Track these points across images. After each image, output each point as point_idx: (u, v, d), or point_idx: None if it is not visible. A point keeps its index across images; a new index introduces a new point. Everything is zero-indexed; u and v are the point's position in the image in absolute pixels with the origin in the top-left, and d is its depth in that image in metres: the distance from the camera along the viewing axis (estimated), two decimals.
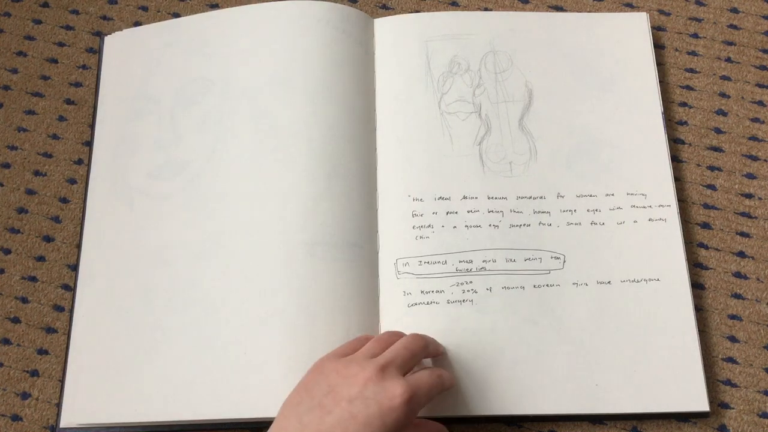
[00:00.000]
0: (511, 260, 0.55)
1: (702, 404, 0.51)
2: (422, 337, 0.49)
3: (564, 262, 0.55)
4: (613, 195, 0.57)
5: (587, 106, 0.60)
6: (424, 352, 0.49)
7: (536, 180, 0.57)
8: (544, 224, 0.56)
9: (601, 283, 0.54)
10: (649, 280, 0.54)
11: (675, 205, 0.57)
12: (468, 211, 0.56)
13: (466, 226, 0.56)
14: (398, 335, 0.50)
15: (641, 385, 0.52)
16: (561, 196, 0.57)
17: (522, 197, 0.57)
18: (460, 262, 0.55)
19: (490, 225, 0.56)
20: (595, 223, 0.56)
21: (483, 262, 0.55)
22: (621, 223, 0.56)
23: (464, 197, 0.56)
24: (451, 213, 0.56)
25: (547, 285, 0.54)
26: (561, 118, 0.59)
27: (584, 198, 0.57)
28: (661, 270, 0.55)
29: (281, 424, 0.44)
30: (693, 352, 0.53)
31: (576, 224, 0.56)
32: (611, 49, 0.61)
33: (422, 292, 0.54)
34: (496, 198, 0.57)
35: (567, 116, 0.59)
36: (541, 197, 0.57)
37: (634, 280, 0.54)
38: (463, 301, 0.54)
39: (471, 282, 0.54)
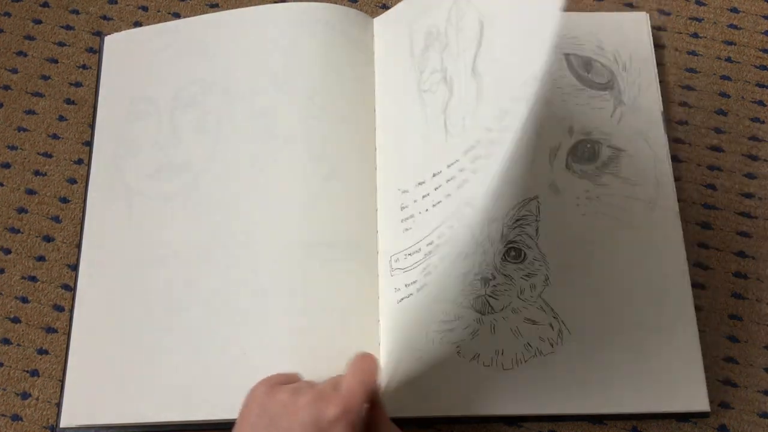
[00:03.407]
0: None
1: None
2: (366, 358, 0.47)
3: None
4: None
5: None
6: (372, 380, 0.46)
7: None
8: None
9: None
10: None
11: (675, 205, 0.57)
12: (435, 189, 0.51)
13: (433, 204, 0.51)
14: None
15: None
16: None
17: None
18: (427, 245, 0.50)
19: (448, 195, 0.50)
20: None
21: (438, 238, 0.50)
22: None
23: (433, 174, 0.51)
24: (426, 196, 0.52)
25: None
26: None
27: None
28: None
29: None
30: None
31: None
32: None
33: (406, 285, 0.51)
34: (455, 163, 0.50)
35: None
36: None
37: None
38: (425, 285, 0.49)
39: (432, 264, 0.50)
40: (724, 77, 0.63)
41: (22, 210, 0.60)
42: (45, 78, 0.64)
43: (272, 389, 0.45)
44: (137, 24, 0.66)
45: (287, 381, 0.47)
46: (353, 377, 0.45)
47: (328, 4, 0.60)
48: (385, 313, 0.53)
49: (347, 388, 0.44)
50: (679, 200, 0.57)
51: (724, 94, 0.62)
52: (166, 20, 0.65)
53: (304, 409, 0.43)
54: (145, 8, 0.67)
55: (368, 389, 0.45)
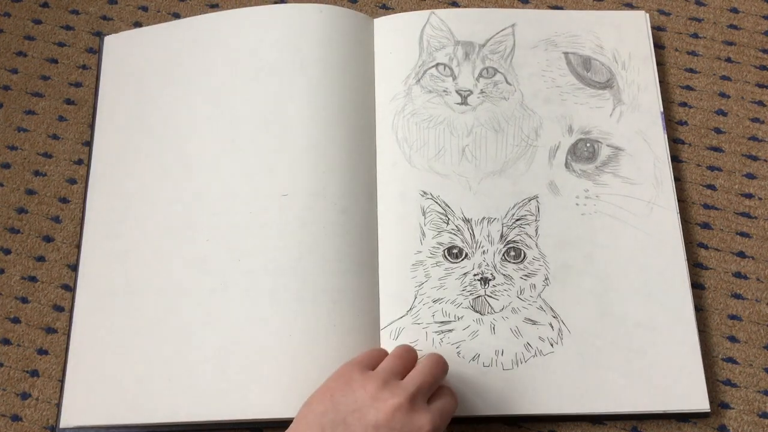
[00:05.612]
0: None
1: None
2: (444, 362, 0.49)
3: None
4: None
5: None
6: (445, 376, 0.49)
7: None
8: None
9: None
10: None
11: (675, 205, 0.57)
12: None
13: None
14: (413, 352, 0.49)
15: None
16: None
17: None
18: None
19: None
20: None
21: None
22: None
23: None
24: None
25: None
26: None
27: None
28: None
29: (302, 430, 0.44)
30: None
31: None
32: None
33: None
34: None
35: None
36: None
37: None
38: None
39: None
40: (724, 77, 0.63)
41: (22, 210, 0.60)
42: (45, 78, 0.65)
43: (361, 371, 0.46)
44: (137, 24, 0.66)
45: (375, 362, 0.48)
46: (450, 401, 0.47)
47: (328, 5, 0.60)
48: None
49: (441, 408, 0.46)
50: (679, 200, 0.57)
51: (724, 94, 0.62)
52: (166, 20, 0.65)
53: (396, 414, 0.44)
54: (145, 8, 0.67)
55: (454, 407, 0.47)
